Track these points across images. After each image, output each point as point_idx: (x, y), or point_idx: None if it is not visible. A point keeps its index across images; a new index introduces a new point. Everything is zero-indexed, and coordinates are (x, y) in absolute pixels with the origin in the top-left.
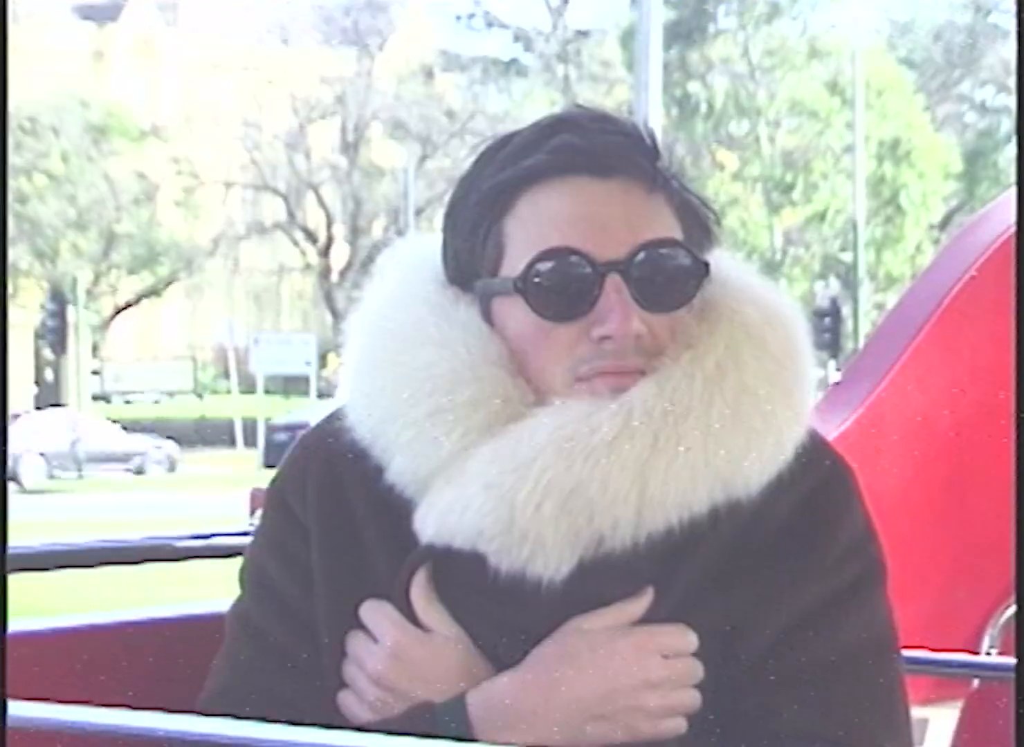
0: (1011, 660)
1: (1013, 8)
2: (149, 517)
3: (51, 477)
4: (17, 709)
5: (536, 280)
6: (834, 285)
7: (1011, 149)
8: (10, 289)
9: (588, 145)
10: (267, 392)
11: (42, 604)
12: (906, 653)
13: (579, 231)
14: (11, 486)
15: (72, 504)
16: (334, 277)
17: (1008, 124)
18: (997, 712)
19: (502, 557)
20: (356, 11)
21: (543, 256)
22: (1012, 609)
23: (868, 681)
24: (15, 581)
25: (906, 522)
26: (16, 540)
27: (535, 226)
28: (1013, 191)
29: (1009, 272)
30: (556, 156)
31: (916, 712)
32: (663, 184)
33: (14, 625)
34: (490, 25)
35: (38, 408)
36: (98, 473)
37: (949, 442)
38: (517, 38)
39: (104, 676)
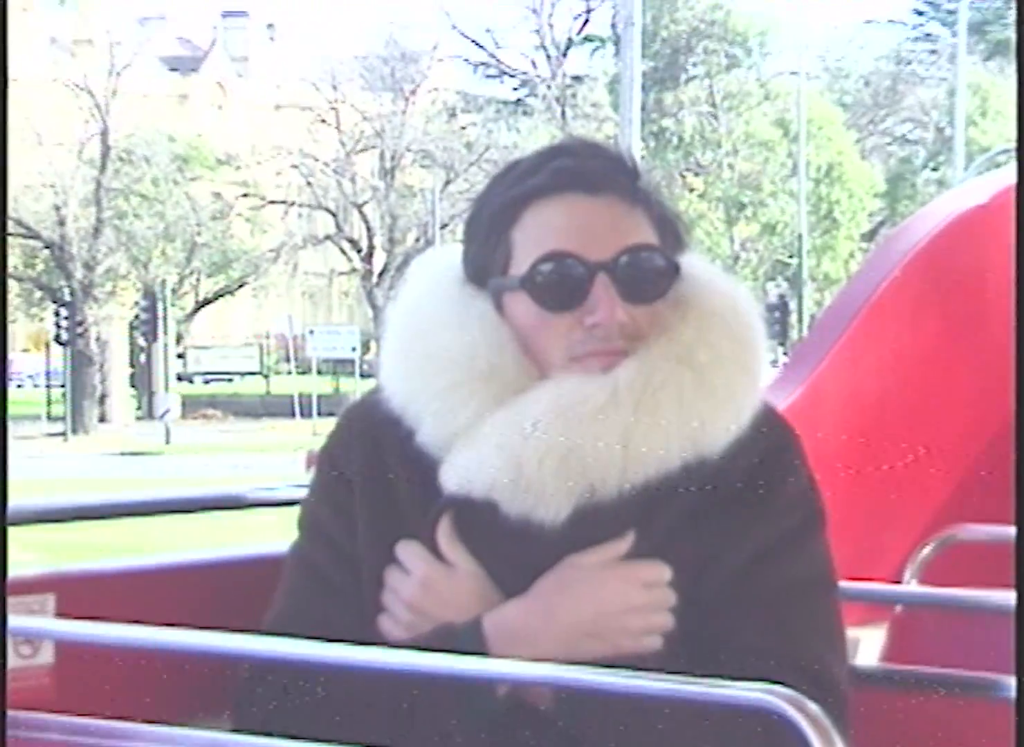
0: (931, 589)
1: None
2: (228, 475)
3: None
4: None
5: (538, 278)
6: (782, 286)
7: (926, 174)
8: (110, 289)
9: (581, 167)
10: (319, 373)
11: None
12: (842, 584)
13: (573, 238)
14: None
15: (160, 465)
16: (374, 279)
17: (923, 154)
18: (917, 633)
19: (511, 505)
20: (393, 62)
21: (544, 258)
22: (928, 547)
23: (812, 607)
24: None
25: (841, 478)
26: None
27: (537, 234)
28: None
29: (926, 275)
30: (554, 177)
31: (850, 633)
32: (643, 200)
33: (113, 563)
34: (501, 73)
35: (133, 386)
36: None
37: (875, 413)
38: (523, 84)
39: (182, 610)
